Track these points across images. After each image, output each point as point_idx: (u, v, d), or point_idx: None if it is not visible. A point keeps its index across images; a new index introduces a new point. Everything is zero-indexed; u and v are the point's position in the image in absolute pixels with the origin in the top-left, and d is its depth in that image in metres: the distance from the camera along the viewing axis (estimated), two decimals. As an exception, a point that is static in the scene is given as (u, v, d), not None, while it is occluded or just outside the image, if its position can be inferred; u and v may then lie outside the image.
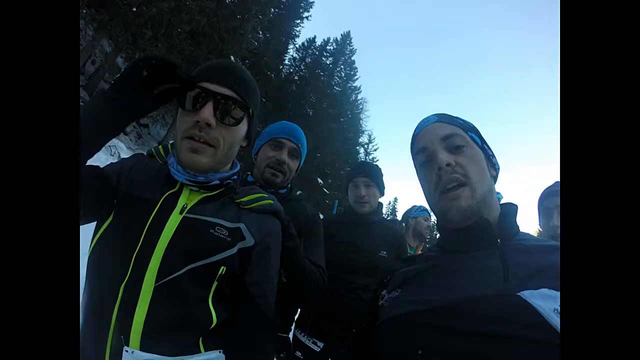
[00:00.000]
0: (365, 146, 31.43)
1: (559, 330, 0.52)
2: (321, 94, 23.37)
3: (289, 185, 1.52)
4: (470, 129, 0.81)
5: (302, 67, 24.11)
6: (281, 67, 22.75)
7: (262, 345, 0.92)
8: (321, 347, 1.74)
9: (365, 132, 30.72)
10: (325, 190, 23.03)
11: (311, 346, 1.76)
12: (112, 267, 0.81)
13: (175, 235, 0.82)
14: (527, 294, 0.58)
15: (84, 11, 9.38)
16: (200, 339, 0.82)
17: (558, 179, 1.30)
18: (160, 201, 0.86)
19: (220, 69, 0.89)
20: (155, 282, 0.78)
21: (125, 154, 9.76)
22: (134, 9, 9.60)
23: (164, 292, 0.79)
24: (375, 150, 32.07)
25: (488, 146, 0.82)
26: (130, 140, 12.44)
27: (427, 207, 1.06)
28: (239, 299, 0.90)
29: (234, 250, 0.87)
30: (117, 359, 0.75)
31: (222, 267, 0.85)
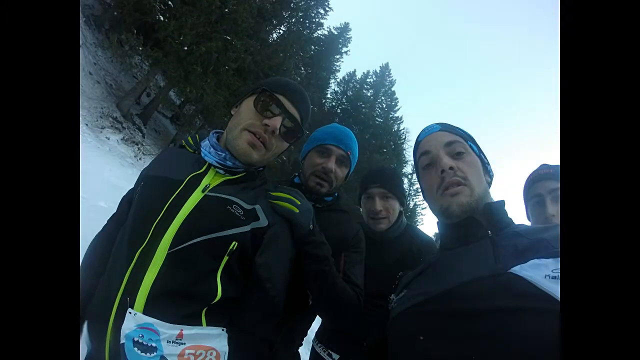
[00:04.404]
0: (409, 176, 30.37)
1: (551, 294, 0.55)
2: (363, 125, 23.24)
3: (337, 194, 1.39)
4: (469, 139, 0.92)
5: (344, 100, 24.36)
6: (324, 100, 23.05)
7: (262, 330, 0.92)
8: (336, 359, 1.54)
9: (409, 163, 29.81)
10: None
11: (326, 358, 1.56)
12: (134, 234, 0.87)
13: (195, 210, 0.89)
14: (517, 269, 0.62)
15: (140, 49, 10.28)
16: (204, 311, 0.84)
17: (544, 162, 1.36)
18: (185, 180, 0.94)
19: (296, 93, 1.04)
20: (169, 250, 0.83)
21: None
22: (185, 48, 10.25)
23: (175, 260, 0.83)
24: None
25: (484, 155, 0.94)
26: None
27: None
28: (248, 282, 0.93)
29: (247, 228, 0.92)
30: (120, 319, 0.79)
31: (234, 242, 0.88)
